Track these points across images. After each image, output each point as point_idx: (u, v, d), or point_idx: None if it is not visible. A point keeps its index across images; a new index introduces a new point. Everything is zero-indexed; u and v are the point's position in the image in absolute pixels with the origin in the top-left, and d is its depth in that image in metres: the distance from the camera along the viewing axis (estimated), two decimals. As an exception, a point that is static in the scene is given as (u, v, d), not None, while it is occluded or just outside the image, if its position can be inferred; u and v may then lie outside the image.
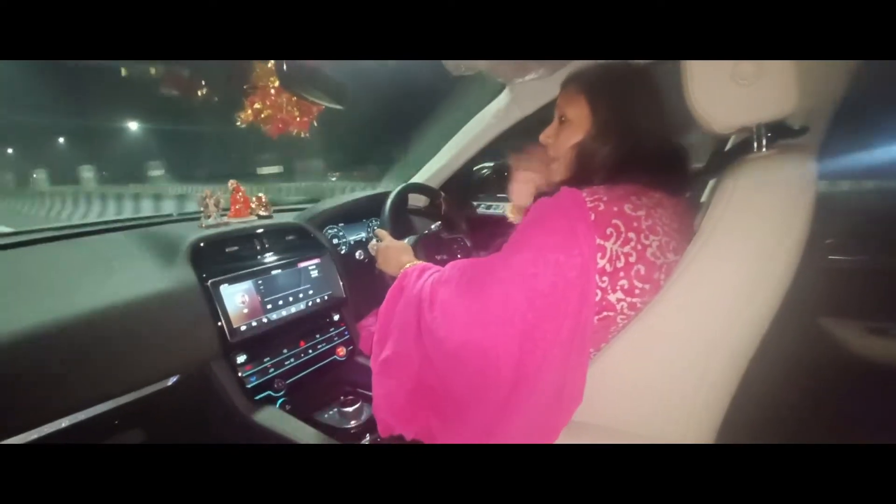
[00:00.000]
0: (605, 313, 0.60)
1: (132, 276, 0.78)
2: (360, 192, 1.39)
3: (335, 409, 0.88)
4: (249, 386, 0.85)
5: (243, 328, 0.85)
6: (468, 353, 0.60)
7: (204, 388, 0.83)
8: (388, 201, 1.04)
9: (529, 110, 1.20)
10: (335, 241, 1.21)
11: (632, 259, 0.57)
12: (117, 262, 0.84)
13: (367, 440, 0.82)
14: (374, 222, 1.33)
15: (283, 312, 0.94)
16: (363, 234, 1.30)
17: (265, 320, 0.90)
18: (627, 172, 0.63)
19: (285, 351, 0.94)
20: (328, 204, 1.30)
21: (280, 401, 0.88)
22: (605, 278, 0.57)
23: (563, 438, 0.60)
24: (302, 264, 1.01)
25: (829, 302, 1.01)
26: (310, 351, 0.98)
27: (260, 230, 0.99)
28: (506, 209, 1.12)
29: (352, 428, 0.84)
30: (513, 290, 0.57)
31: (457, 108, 1.38)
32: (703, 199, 0.86)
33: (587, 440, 0.61)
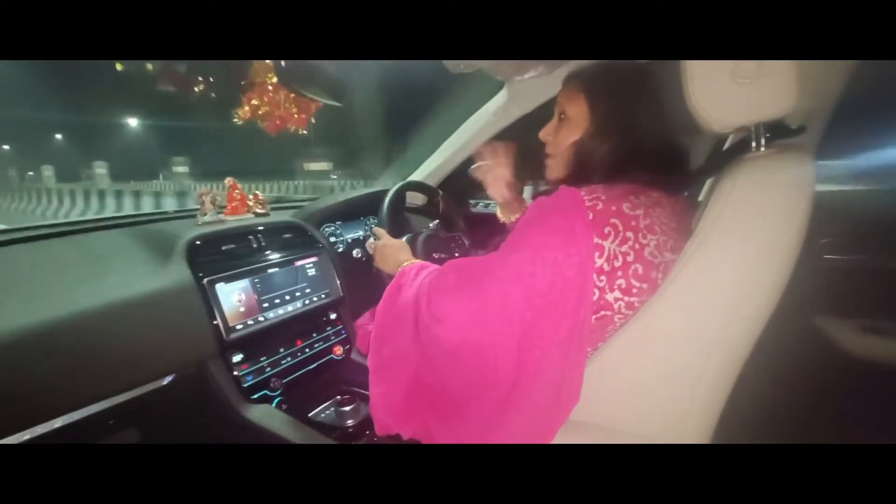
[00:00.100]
0: (602, 312, 0.59)
1: (127, 274, 0.78)
2: (358, 189, 1.39)
3: (332, 409, 0.88)
4: (246, 385, 0.85)
5: (239, 327, 0.85)
6: (466, 352, 0.60)
7: (200, 388, 0.82)
8: (386, 199, 1.04)
9: (528, 108, 1.20)
10: (332, 239, 1.20)
11: (629, 258, 0.57)
12: (112, 259, 0.83)
13: (363, 439, 0.82)
14: (372, 220, 1.33)
15: (280, 311, 0.93)
16: (361, 233, 1.29)
17: (261, 319, 0.89)
18: (626, 171, 0.63)
19: (282, 350, 0.93)
20: (325, 202, 1.29)
21: (276, 400, 0.88)
22: (602, 277, 0.57)
23: (560, 437, 0.60)
24: (299, 263, 1.00)
25: (826, 301, 1.02)
26: (306, 350, 0.98)
27: (257, 228, 0.99)
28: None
29: (348, 427, 0.84)
30: (511, 290, 0.57)
31: (455, 106, 1.38)
32: (701, 198, 0.86)
33: (584, 439, 0.61)
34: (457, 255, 1.16)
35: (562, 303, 0.56)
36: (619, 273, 0.57)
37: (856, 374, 0.98)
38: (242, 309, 0.86)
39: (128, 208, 8.76)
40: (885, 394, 0.91)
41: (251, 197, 1.10)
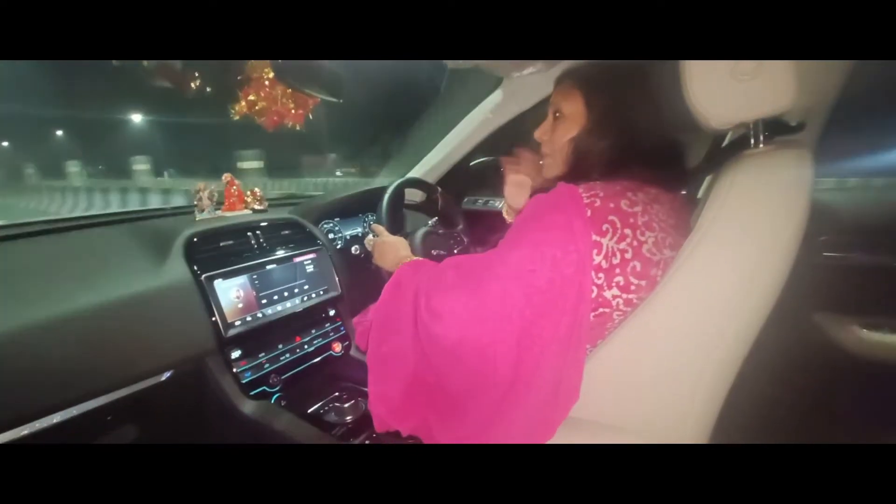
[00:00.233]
0: (601, 310, 0.60)
1: (125, 270, 0.77)
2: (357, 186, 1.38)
3: (331, 405, 0.88)
4: (244, 381, 0.85)
5: (238, 323, 0.85)
6: (465, 349, 0.60)
7: (198, 384, 0.82)
8: (385, 196, 1.03)
9: (527, 105, 1.20)
10: (331, 235, 1.20)
11: (628, 255, 0.57)
12: (110, 256, 0.83)
13: (362, 436, 0.82)
14: (371, 217, 1.32)
15: (279, 307, 0.93)
16: (359, 230, 1.29)
17: (260, 315, 0.89)
18: (623, 168, 0.63)
19: (281, 346, 0.93)
20: (324, 198, 1.29)
21: (275, 396, 0.88)
22: (600, 275, 0.57)
23: (559, 435, 0.60)
24: (297, 259, 1.00)
25: (825, 298, 1.02)
26: (305, 346, 0.98)
27: (255, 224, 0.98)
28: (502, 205, 1.12)
29: (347, 423, 0.84)
30: (510, 287, 0.57)
31: (454, 103, 1.37)
32: (700, 195, 0.86)
33: (584, 436, 0.61)
34: (456, 252, 1.16)
35: (561, 300, 0.56)
36: (618, 270, 0.57)
37: (855, 373, 0.99)
38: (241, 305, 0.86)
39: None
40: (884, 392, 0.92)
41: (249, 193, 1.09)
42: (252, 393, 0.85)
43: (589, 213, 0.56)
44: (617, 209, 0.57)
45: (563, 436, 0.60)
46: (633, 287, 0.58)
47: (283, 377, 0.90)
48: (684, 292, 0.56)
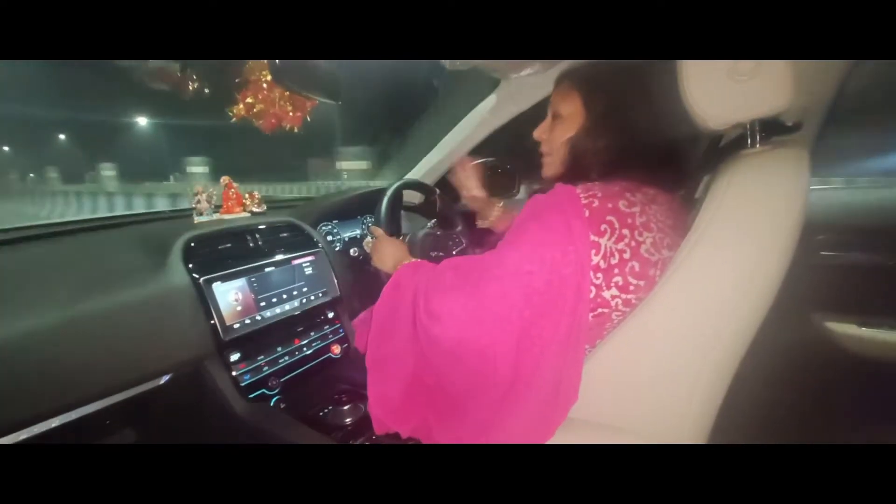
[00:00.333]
0: (599, 310, 0.60)
1: (123, 274, 0.77)
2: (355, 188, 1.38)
3: (330, 407, 0.87)
4: (243, 384, 0.85)
5: (237, 326, 0.85)
6: (464, 350, 0.60)
7: (197, 387, 0.82)
8: (384, 198, 1.03)
9: (525, 106, 1.20)
10: (330, 238, 1.20)
11: (626, 255, 0.57)
12: (108, 259, 0.83)
13: (362, 438, 0.82)
14: (369, 219, 1.32)
15: (277, 310, 0.93)
16: (358, 232, 1.29)
17: (259, 318, 0.89)
18: (621, 169, 0.63)
19: (279, 349, 0.93)
20: (322, 201, 1.29)
21: (274, 399, 0.88)
22: (599, 275, 0.57)
23: (558, 435, 0.60)
24: (296, 261, 1.00)
25: (822, 298, 1.02)
26: (304, 349, 0.98)
27: (253, 227, 0.98)
28: (502, 205, 1.12)
29: (347, 426, 0.84)
30: (510, 288, 0.57)
31: (452, 104, 1.37)
32: (698, 195, 0.86)
33: (583, 437, 0.61)
34: (454, 253, 1.16)
35: (560, 300, 0.56)
36: (616, 270, 0.57)
37: (853, 372, 0.99)
38: (239, 308, 0.86)
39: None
40: (882, 392, 0.92)
41: (247, 195, 1.09)
42: (251, 396, 0.85)
43: (587, 213, 0.56)
44: (615, 209, 0.57)
45: (562, 436, 0.60)
46: (631, 287, 0.58)
47: (282, 380, 0.90)
48: (682, 292, 0.56)
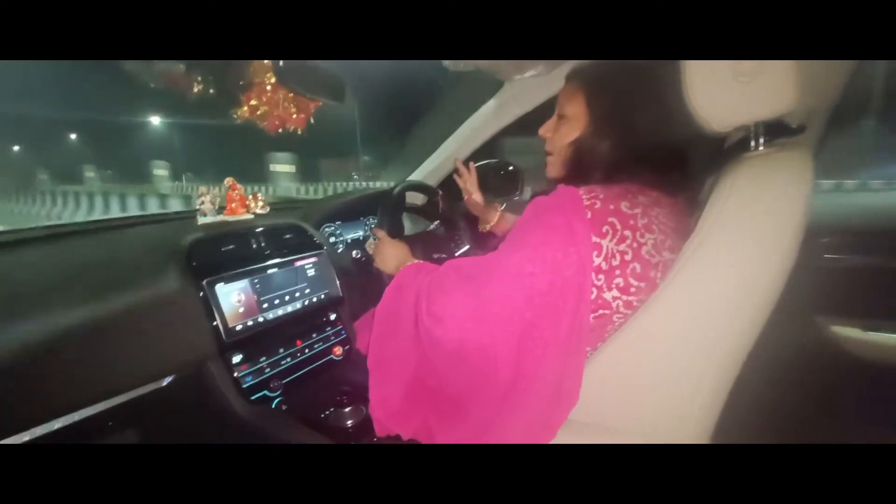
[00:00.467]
0: (601, 311, 0.59)
1: (126, 275, 0.77)
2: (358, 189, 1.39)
3: (332, 409, 0.87)
4: (245, 386, 0.85)
5: (239, 328, 0.85)
6: (466, 351, 0.60)
7: (199, 389, 0.82)
8: (386, 200, 1.03)
9: (528, 107, 1.20)
10: (332, 239, 1.20)
11: (627, 257, 0.57)
12: (111, 261, 0.83)
13: (363, 440, 0.82)
14: (372, 221, 1.33)
15: (280, 312, 0.93)
16: (360, 233, 1.29)
17: (261, 319, 0.89)
18: (624, 170, 0.63)
19: (281, 350, 0.93)
20: (325, 202, 1.29)
21: (276, 401, 0.88)
22: (600, 276, 0.57)
23: (559, 438, 0.59)
24: (298, 263, 1.00)
25: (825, 300, 1.02)
26: (306, 350, 0.98)
27: (256, 228, 0.99)
28: (503, 208, 1.12)
29: (348, 427, 0.84)
30: (511, 289, 0.57)
31: (455, 105, 1.38)
32: (701, 197, 0.86)
33: (584, 439, 0.61)
34: (456, 254, 1.16)
35: (561, 302, 0.56)
36: (618, 272, 0.57)
37: (855, 374, 0.98)
38: (242, 309, 0.86)
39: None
40: (884, 393, 0.91)
41: (251, 197, 1.10)
42: (253, 397, 0.85)
43: (589, 214, 0.56)
44: (617, 211, 0.57)
45: (563, 438, 0.60)
46: (632, 289, 0.58)
47: (283, 381, 0.90)
48: (685, 295, 0.56)
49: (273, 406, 0.87)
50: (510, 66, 1.04)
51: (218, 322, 0.81)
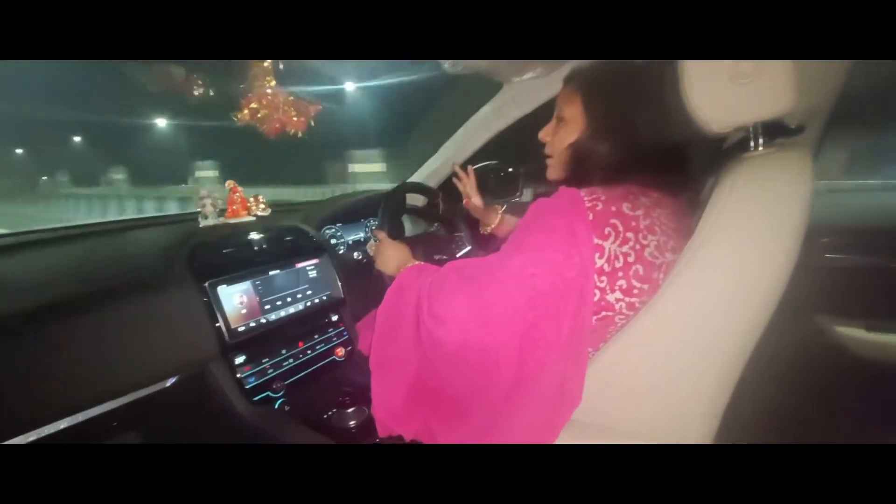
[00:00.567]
0: (603, 313, 0.60)
1: (129, 277, 0.78)
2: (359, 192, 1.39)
3: (334, 410, 0.88)
4: (248, 387, 0.85)
5: (241, 329, 0.85)
6: (468, 353, 0.60)
7: (202, 389, 0.82)
8: (386, 201, 1.04)
9: (528, 109, 1.20)
10: (333, 241, 1.20)
11: (630, 259, 0.57)
12: (114, 262, 0.84)
13: (366, 441, 0.82)
14: (373, 222, 1.33)
15: (282, 313, 0.93)
16: (361, 235, 1.29)
17: (263, 321, 0.89)
18: (625, 172, 0.63)
19: (284, 352, 0.93)
20: (326, 204, 1.29)
21: (279, 402, 0.88)
22: (603, 278, 0.57)
23: (562, 438, 0.60)
24: (300, 265, 1.00)
25: (826, 300, 1.02)
26: (308, 352, 0.98)
27: (258, 230, 0.99)
28: (503, 210, 1.13)
29: (351, 428, 0.84)
30: (513, 290, 0.57)
31: (455, 106, 1.38)
32: (701, 198, 0.86)
33: (586, 440, 0.61)
34: (458, 256, 1.16)
35: (563, 304, 0.56)
36: (620, 274, 0.57)
37: (857, 374, 0.98)
38: (244, 311, 0.87)
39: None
40: (886, 393, 0.91)
41: (252, 199, 1.10)
42: (255, 398, 0.85)
43: (591, 216, 0.57)
44: (619, 213, 0.57)
45: (566, 439, 0.60)
46: (635, 290, 0.58)
47: (286, 382, 0.90)
48: (686, 295, 0.56)
49: (276, 407, 0.87)
50: (509, 67, 1.04)
51: (221, 323, 0.82)
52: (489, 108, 1.27)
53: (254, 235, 0.97)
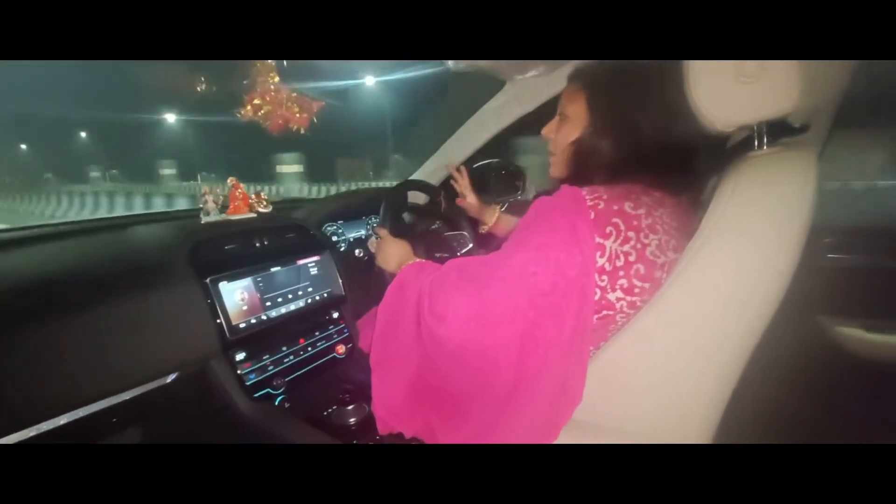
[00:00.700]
0: (604, 312, 0.59)
1: (130, 273, 0.78)
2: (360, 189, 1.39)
3: (334, 407, 0.88)
4: (248, 383, 0.85)
5: (242, 325, 0.85)
6: (468, 351, 0.60)
7: (203, 386, 0.83)
8: (388, 199, 1.04)
9: (530, 107, 1.20)
10: (335, 238, 1.20)
11: (631, 258, 0.57)
12: (116, 259, 0.84)
13: (366, 438, 0.82)
14: (374, 220, 1.33)
15: (283, 310, 0.94)
16: (363, 232, 1.29)
17: (264, 318, 0.90)
18: (627, 171, 0.62)
19: (284, 348, 0.94)
20: (327, 201, 1.29)
21: (279, 398, 0.88)
22: (604, 277, 0.57)
23: (563, 437, 0.59)
24: (301, 262, 1.00)
25: (829, 300, 1.01)
26: (309, 349, 0.98)
27: (259, 227, 0.99)
28: (503, 208, 1.13)
29: (351, 425, 0.84)
30: (514, 289, 0.57)
31: (457, 104, 1.38)
32: (704, 197, 0.86)
33: (587, 439, 0.61)
34: (459, 254, 1.16)
35: (564, 302, 0.56)
36: (621, 273, 0.57)
37: (859, 374, 0.98)
38: (245, 308, 0.87)
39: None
40: (888, 394, 0.91)
41: (253, 196, 1.10)
42: (256, 395, 0.85)
43: (592, 215, 0.56)
44: (621, 212, 0.57)
45: (566, 438, 0.59)
46: (636, 290, 0.58)
47: (286, 379, 0.90)
48: (688, 294, 0.56)
49: (276, 404, 0.88)
50: (511, 65, 1.04)
51: (221, 320, 0.82)
52: (491, 105, 1.27)
53: (255, 232, 0.97)
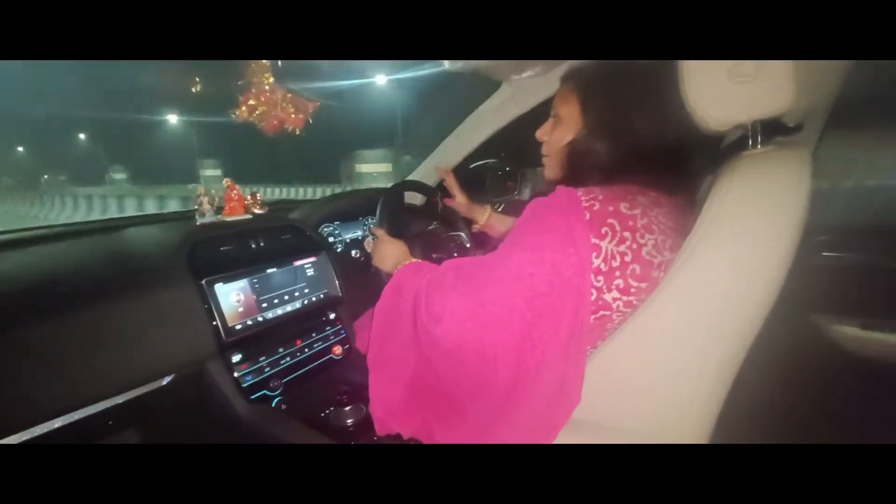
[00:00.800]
0: (601, 312, 0.59)
1: (125, 275, 0.77)
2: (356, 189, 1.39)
3: (331, 408, 0.88)
4: (245, 385, 0.85)
5: (238, 327, 0.85)
6: (466, 352, 0.60)
7: (199, 388, 0.82)
8: (384, 199, 1.04)
9: (526, 107, 1.20)
10: (331, 239, 1.20)
11: (627, 258, 0.57)
12: (110, 261, 0.83)
13: (363, 439, 0.82)
14: (370, 220, 1.33)
15: (279, 311, 0.93)
16: (359, 233, 1.29)
17: (260, 319, 0.89)
18: (622, 172, 0.63)
19: (281, 350, 0.93)
20: (324, 202, 1.29)
21: (276, 400, 0.88)
22: (600, 278, 0.57)
23: (560, 437, 0.60)
24: (297, 263, 1.00)
25: (824, 299, 1.02)
26: (306, 350, 0.98)
27: (255, 228, 0.99)
28: (501, 209, 1.13)
29: (348, 426, 0.84)
30: (511, 290, 0.57)
31: (454, 105, 1.38)
32: (700, 196, 0.86)
33: (585, 438, 0.61)
34: (455, 254, 1.16)
35: (560, 303, 0.56)
36: (617, 273, 0.57)
37: (855, 373, 0.99)
38: (241, 309, 0.86)
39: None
40: (884, 393, 0.92)
41: (249, 197, 1.10)
42: (252, 397, 0.85)
43: (588, 216, 0.56)
44: (616, 212, 0.57)
45: (565, 438, 0.60)
46: (632, 289, 0.58)
47: (283, 381, 0.90)
48: (684, 294, 0.56)
49: (273, 405, 0.87)
50: (507, 66, 1.04)
51: (217, 322, 0.81)
52: (488, 105, 1.27)
53: (251, 234, 0.97)
